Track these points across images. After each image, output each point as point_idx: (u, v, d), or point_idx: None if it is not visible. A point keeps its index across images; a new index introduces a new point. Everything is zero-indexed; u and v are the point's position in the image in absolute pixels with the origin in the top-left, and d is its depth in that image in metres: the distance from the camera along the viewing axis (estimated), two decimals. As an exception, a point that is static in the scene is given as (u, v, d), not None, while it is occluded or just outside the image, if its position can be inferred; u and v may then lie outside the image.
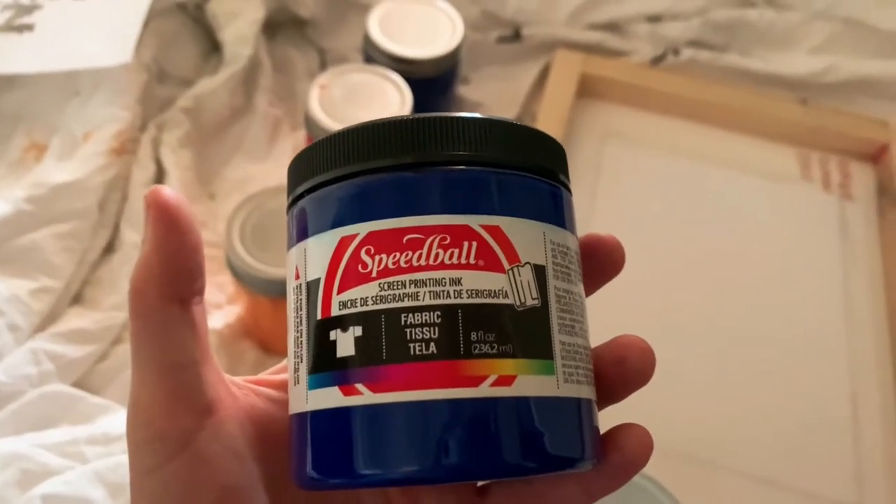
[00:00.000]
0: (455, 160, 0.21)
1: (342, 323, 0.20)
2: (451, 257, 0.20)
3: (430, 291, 0.20)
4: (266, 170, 0.61)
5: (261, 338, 0.52)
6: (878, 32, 0.70)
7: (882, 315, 0.59)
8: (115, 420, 0.46)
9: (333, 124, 0.52)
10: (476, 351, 0.20)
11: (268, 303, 0.48)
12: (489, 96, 0.67)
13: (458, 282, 0.20)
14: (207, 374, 0.22)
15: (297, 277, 0.22)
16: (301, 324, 0.21)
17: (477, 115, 0.22)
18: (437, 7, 0.60)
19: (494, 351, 0.20)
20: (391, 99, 0.54)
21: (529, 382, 0.20)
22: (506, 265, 0.20)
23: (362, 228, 0.20)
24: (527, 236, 0.21)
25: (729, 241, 0.62)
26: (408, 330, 0.20)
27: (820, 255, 0.62)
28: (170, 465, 0.21)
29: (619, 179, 0.64)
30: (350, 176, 0.21)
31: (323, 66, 0.67)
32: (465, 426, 0.19)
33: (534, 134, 0.22)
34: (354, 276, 0.20)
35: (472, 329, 0.20)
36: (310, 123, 0.53)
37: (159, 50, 0.63)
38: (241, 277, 0.48)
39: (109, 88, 0.59)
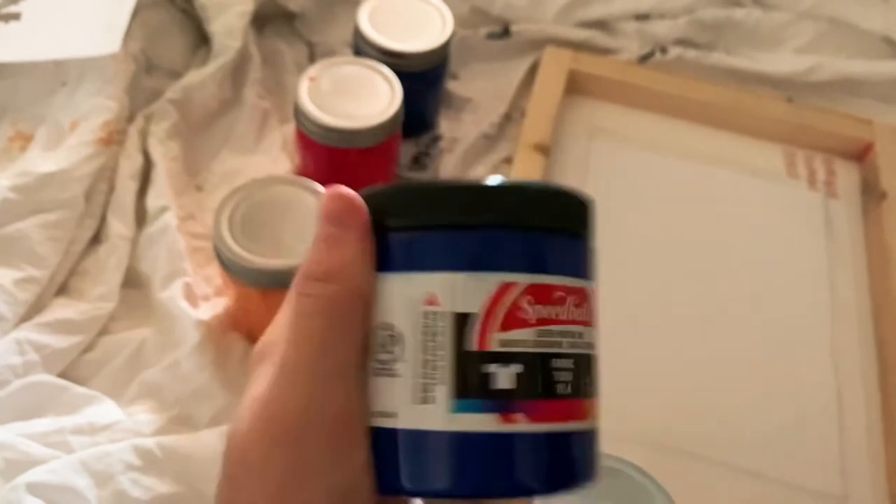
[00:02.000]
0: (581, 232, 0.26)
1: (503, 358, 0.23)
2: (580, 314, 0.25)
3: (569, 341, 0.24)
4: (254, 162, 0.60)
5: (249, 329, 0.52)
6: (863, 33, 0.71)
7: (866, 310, 0.60)
8: (101, 410, 0.46)
9: (323, 117, 0.52)
10: (586, 391, 0.25)
11: (257, 293, 0.48)
12: (478, 92, 0.67)
13: (581, 335, 0.25)
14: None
15: (436, 304, 0.23)
16: (440, 349, 0.23)
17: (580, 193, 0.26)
18: (428, 1, 0.60)
19: (592, 391, 0.26)
20: (381, 91, 0.54)
21: (597, 417, 0.26)
22: (594, 323, 0.26)
23: (523, 279, 0.24)
24: (595, 298, 0.26)
25: (715, 236, 0.63)
26: (555, 372, 0.24)
27: (805, 250, 0.63)
28: (345, 471, 0.23)
29: (606, 176, 0.64)
30: (517, 227, 0.24)
31: (312, 59, 0.67)
32: (586, 450, 0.25)
33: (587, 204, 0.27)
34: (516, 320, 0.23)
35: (585, 374, 0.25)
36: (299, 115, 0.53)
37: (147, 41, 0.62)
38: (230, 268, 0.47)
39: (97, 78, 0.59)
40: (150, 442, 0.43)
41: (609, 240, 0.62)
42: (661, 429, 0.53)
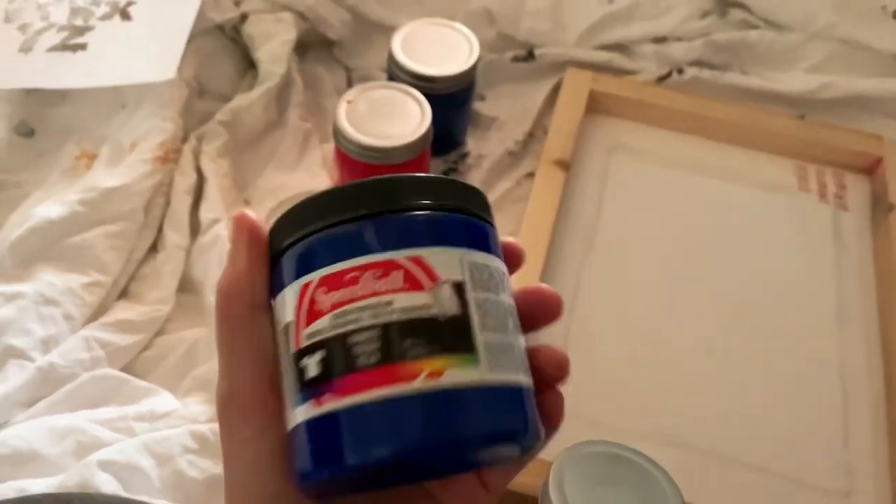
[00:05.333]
0: (380, 211, 0.26)
1: (309, 350, 0.25)
2: (386, 285, 0.25)
3: (370, 314, 0.25)
4: (296, 178, 0.65)
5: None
6: (873, 52, 0.74)
7: (873, 319, 0.63)
8: (160, 400, 0.51)
9: (359, 136, 0.57)
10: (409, 354, 0.25)
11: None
12: (504, 112, 0.71)
13: (390, 303, 0.25)
14: None
15: (278, 322, 0.27)
16: (285, 357, 0.26)
17: (400, 175, 0.28)
18: (456, 29, 0.65)
19: (425, 352, 0.25)
20: (412, 113, 0.59)
21: (456, 374, 0.25)
22: (427, 285, 0.25)
23: (316, 275, 0.26)
24: (443, 260, 0.26)
25: (728, 248, 0.66)
26: (356, 347, 0.25)
27: (815, 262, 0.65)
28: (265, 435, 0.26)
29: (624, 190, 0.68)
30: (303, 237, 0.27)
31: (349, 83, 0.72)
32: (409, 415, 0.24)
33: (449, 183, 0.28)
34: (314, 313, 0.25)
35: (404, 338, 0.25)
36: (338, 135, 0.58)
37: (200, 67, 0.68)
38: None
39: (154, 102, 0.64)
40: (204, 428, 0.48)
41: (626, 249, 0.66)
42: (673, 424, 0.56)
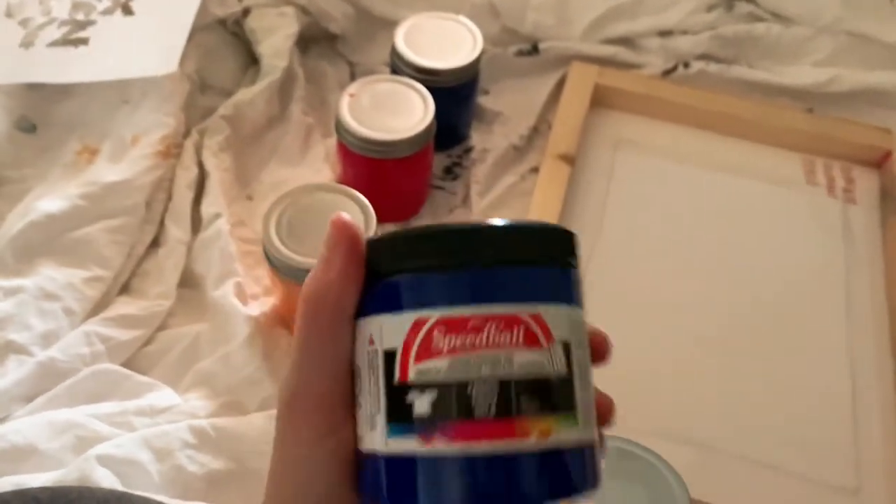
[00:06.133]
0: (505, 260, 0.27)
1: (419, 387, 0.26)
2: (507, 339, 0.26)
3: (489, 366, 0.25)
4: (299, 173, 0.65)
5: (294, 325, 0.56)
6: (881, 45, 0.73)
7: (883, 313, 0.62)
8: (160, 395, 0.51)
9: (362, 130, 0.56)
10: (523, 411, 0.25)
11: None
12: (507, 106, 0.71)
13: (509, 359, 0.26)
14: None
15: (374, 344, 0.27)
16: (378, 383, 0.26)
17: (526, 222, 0.28)
18: (460, 22, 0.65)
19: (538, 410, 0.26)
20: (415, 106, 0.58)
21: (561, 433, 0.26)
22: (544, 344, 0.26)
23: (434, 313, 0.26)
24: (557, 318, 0.27)
25: (736, 242, 0.65)
26: (473, 395, 0.25)
27: (824, 255, 0.65)
28: (325, 440, 0.26)
29: (630, 185, 0.67)
30: (420, 269, 0.26)
31: (352, 77, 0.72)
32: (522, 470, 0.25)
33: (553, 231, 0.28)
34: (429, 351, 0.26)
35: (521, 395, 0.26)
36: (340, 129, 0.58)
37: (201, 62, 0.68)
38: (278, 267, 0.52)
39: (156, 97, 0.64)
40: (204, 423, 0.47)
41: (633, 245, 0.65)
42: (685, 423, 0.56)
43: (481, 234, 0.27)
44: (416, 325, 0.26)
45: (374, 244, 0.28)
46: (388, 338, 0.26)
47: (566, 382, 0.26)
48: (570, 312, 0.27)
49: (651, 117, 0.71)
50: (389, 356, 0.26)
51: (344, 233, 0.27)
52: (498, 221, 0.27)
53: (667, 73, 0.73)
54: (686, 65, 0.73)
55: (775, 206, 0.68)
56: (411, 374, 0.26)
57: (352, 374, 0.27)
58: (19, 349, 0.51)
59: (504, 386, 0.25)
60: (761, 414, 0.57)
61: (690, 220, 0.66)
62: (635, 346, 0.58)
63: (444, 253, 0.26)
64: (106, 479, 0.43)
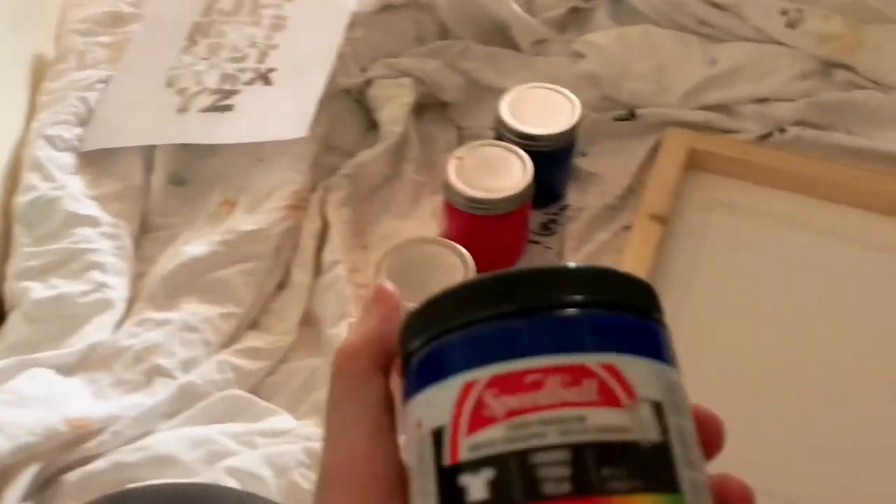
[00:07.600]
0: (559, 305, 0.22)
1: (473, 466, 0.20)
2: (577, 395, 0.21)
3: (558, 429, 0.20)
4: (409, 226, 0.72)
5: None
6: None
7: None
8: (280, 420, 0.57)
9: (465, 189, 0.62)
10: (608, 487, 0.20)
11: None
12: (604, 168, 0.75)
13: (584, 418, 0.20)
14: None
15: (421, 426, 0.22)
16: (428, 471, 0.22)
17: (574, 264, 0.24)
18: (560, 92, 0.70)
19: (626, 487, 0.20)
20: (515, 168, 0.64)
21: None
22: (625, 402, 0.21)
23: (484, 372, 0.21)
24: (641, 373, 0.22)
25: (832, 310, 0.65)
26: (539, 469, 0.20)
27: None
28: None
29: (723, 247, 0.69)
30: (463, 325, 0.22)
31: (460, 140, 0.79)
32: None
33: (628, 278, 0.24)
34: (482, 419, 0.21)
35: (601, 465, 0.20)
36: (447, 189, 0.64)
37: (328, 126, 0.76)
38: (385, 310, 0.58)
39: (288, 157, 0.72)
40: (317, 446, 0.53)
41: (722, 307, 0.66)
42: (774, 479, 0.57)
43: (534, 277, 0.23)
44: (465, 391, 0.21)
45: (412, 315, 0.24)
46: (435, 414, 0.22)
47: (661, 452, 0.21)
48: (659, 369, 0.22)
49: (745, 180, 0.73)
50: (437, 435, 0.21)
51: (380, 297, 0.26)
52: (554, 264, 0.25)
53: (762, 138, 0.75)
54: (782, 130, 0.75)
55: (873, 271, 0.67)
56: (462, 452, 0.21)
57: (399, 461, 0.24)
58: (165, 373, 0.59)
59: (579, 454, 0.20)
60: (869, 482, 0.57)
61: (784, 284, 0.66)
62: (721, 413, 0.60)
63: (485, 302, 0.22)
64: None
